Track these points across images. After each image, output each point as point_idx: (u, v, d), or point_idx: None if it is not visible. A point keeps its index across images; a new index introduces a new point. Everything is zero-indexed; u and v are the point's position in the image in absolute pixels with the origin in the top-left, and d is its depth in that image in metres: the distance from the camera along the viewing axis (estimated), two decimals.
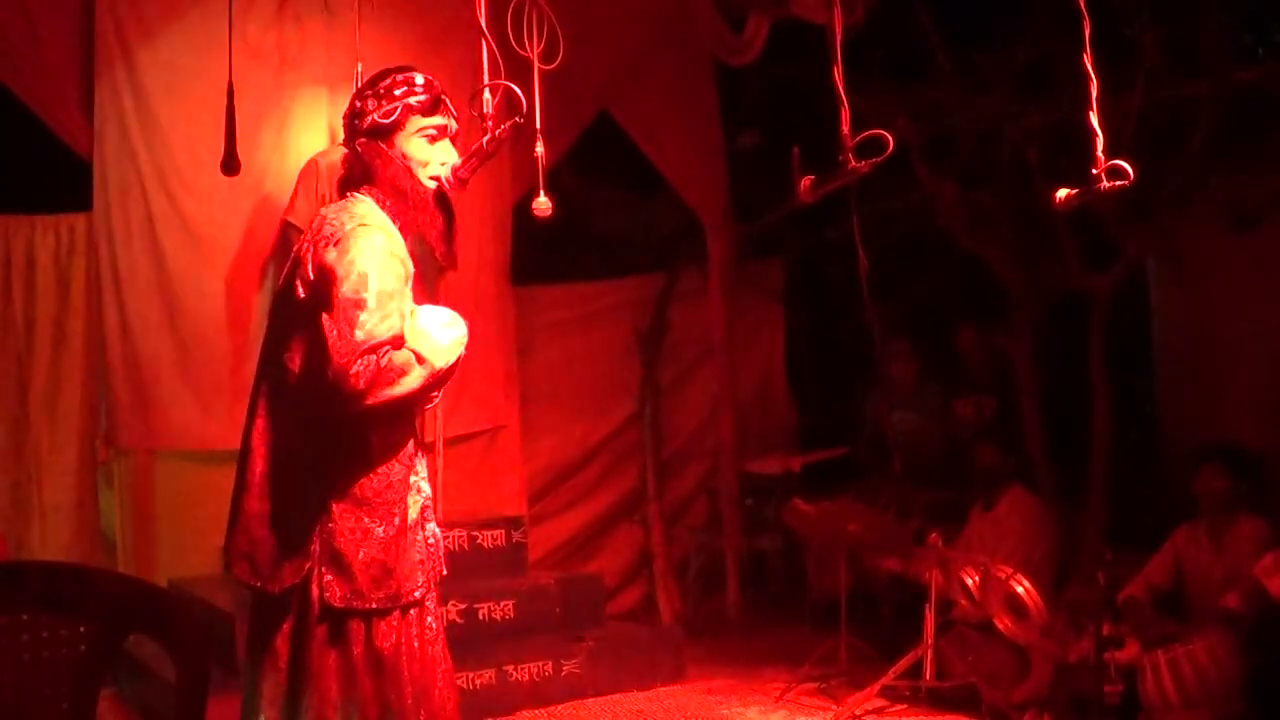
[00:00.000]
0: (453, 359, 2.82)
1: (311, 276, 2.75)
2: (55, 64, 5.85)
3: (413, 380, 2.70)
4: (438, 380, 2.78)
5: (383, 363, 2.65)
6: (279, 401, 2.78)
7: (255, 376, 2.88)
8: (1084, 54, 3.06)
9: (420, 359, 2.73)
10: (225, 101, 4.65)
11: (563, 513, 7.26)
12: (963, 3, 6.51)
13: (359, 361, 2.62)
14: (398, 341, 2.69)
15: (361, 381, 2.62)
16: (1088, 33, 3.07)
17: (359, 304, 2.65)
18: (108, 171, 5.92)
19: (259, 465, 2.77)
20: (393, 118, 2.86)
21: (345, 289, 2.67)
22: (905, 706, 5.28)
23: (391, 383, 2.66)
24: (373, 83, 2.93)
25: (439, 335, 2.80)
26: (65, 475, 5.93)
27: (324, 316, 2.68)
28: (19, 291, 5.89)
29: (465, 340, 2.87)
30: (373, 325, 2.65)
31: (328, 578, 2.70)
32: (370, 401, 2.65)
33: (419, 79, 2.91)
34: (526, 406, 6.99)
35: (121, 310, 5.91)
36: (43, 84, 5.83)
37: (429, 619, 2.87)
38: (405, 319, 2.74)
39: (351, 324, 2.64)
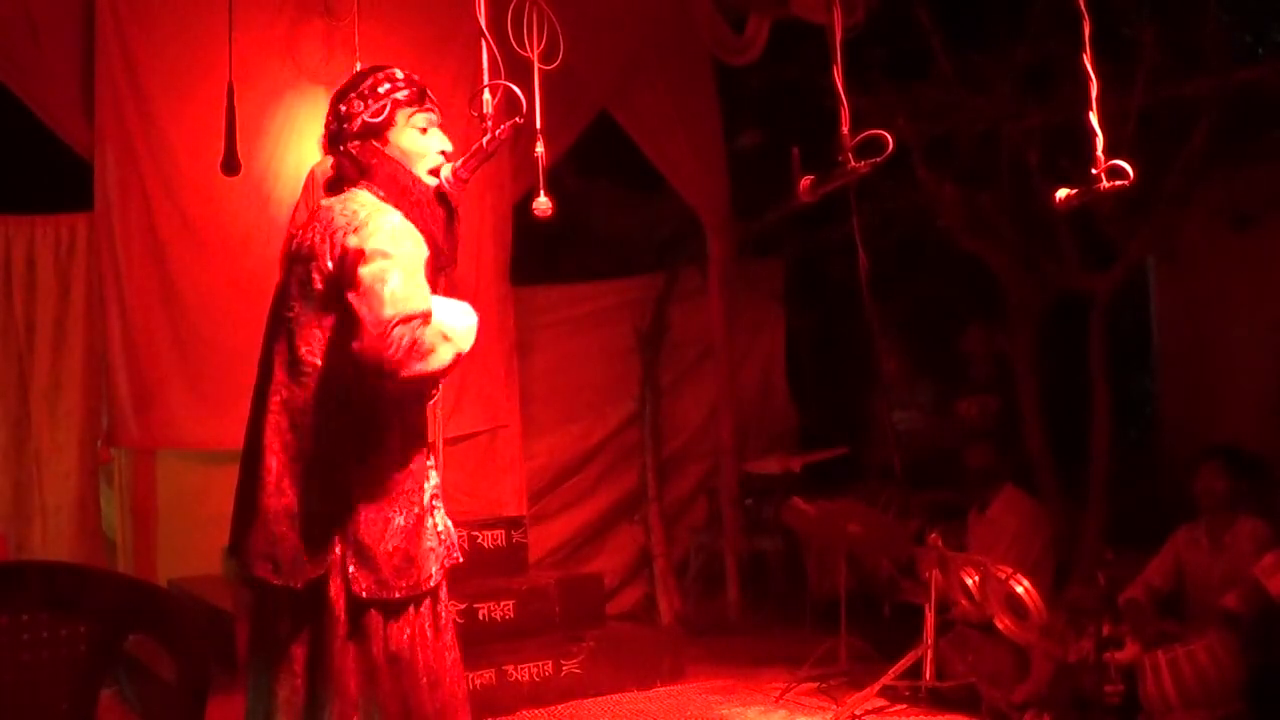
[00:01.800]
0: (469, 345, 2.81)
1: (330, 266, 2.74)
2: (56, 64, 5.85)
3: (444, 356, 2.69)
4: (459, 361, 2.76)
5: (416, 334, 2.63)
6: (293, 396, 2.76)
7: (259, 374, 2.87)
8: (1084, 54, 3.06)
9: (447, 337, 2.72)
10: (226, 101, 4.65)
11: (563, 513, 7.26)
12: (963, 3, 6.51)
13: (393, 333, 2.60)
14: (427, 316, 2.68)
15: (397, 352, 2.60)
16: (1088, 32, 3.07)
17: (384, 279, 2.63)
18: (108, 172, 5.92)
19: (274, 461, 2.75)
20: (383, 115, 2.86)
21: (371, 266, 2.65)
22: (905, 706, 5.28)
23: (424, 357, 2.64)
24: (354, 85, 2.91)
25: (456, 320, 2.79)
26: (67, 476, 5.93)
27: (350, 296, 2.66)
28: (19, 292, 5.90)
29: (475, 330, 2.86)
30: (403, 299, 2.63)
31: (352, 569, 2.69)
32: (405, 375, 2.63)
33: (399, 73, 2.91)
34: (526, 406, 7.00)
35: (123, 310, 5.91)
36: (43, 84, 5.83)
37: (440, 608, 2.87)
38: (427, 290, 2.73)
39: (380, 299, 2.61)
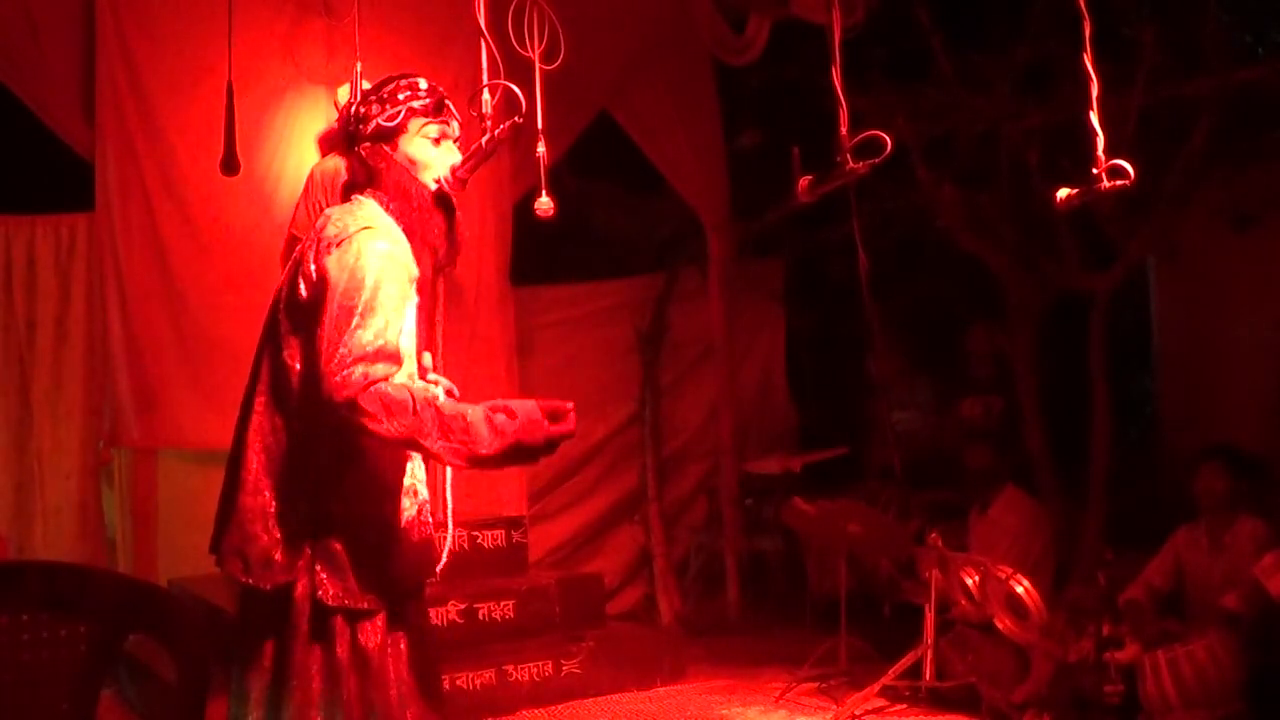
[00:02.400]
0: (457, 446, 2.61)
1: (313, 276, 2.73)
2: (56, 64, 5.86)
3: (395, 426, 2.58)
4: (422, 446, 2.64)
5: (379, 388, 2.58)
6: (277, 399, 2.77)
7: (251, 372, 2.88)
8: (1084, 54, 3.06)
9: (418, 410, 2.58)
10: (225, 101, 4.65)
11: (563, 513, 7.26)
12: (963, 3, 6.51)
13: (343, 372, 2.59)
14: (388, 356, 2.64)
15: (342, 394, 2.58)
16: (1088, 33, 3.07)
17: (350, 312, 2.63)
18: (109, 171, 5.92)
19: (254, 461, 2.75)
20: (396, 121, 2.86)
21: (340, 296, 2.65)
22: (905, 706, 5.28)
23: (375, 417, 2.58)
24: (376, 89, 2.92)
25: (486, 426, 2.63)
26: (69, 476, 5.93)
27: (317, 319, 2.66)
28: (20, 292, 5.90)
29: (510, 444, 2.63)
30: (360, 335, 2.61)
31: (321, 575, 2.69)
32: (350, 417, 2.59)
33: (422, 84, 2.91)
34: None
35: (124, 310, 5.91)
36: (43, 84, 5.84)
37: (420, 622, 2.87)
38: (399, 329, 2.70)
39: (340, 334, 2.61)
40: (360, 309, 2.63)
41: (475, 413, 2.63)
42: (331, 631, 2.71)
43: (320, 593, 2.69)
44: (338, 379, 2.59)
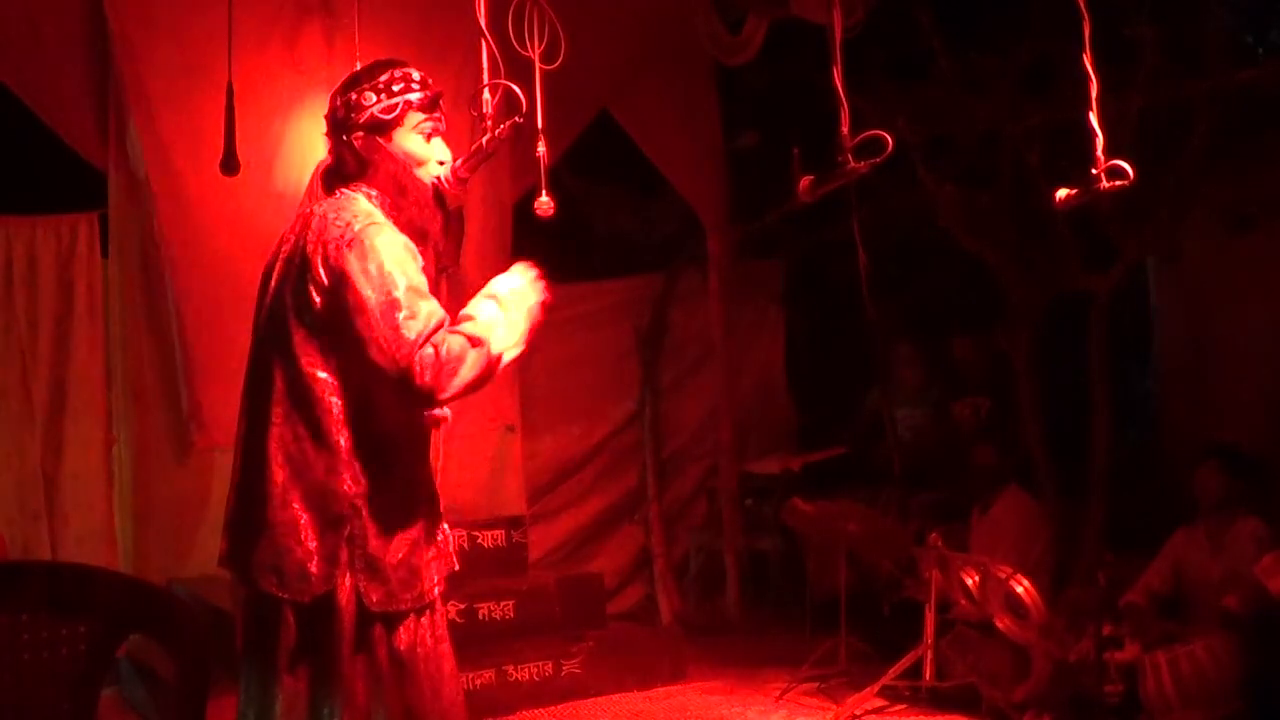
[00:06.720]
0: (518, 334, 2.83)
1: (326, 281, 2.69)
2: (58, 66, 5.85)
3: (471, 366, 2.68)
4: (499, 360, 2.77)
5: (442, 354, 2.63)
6: (297, 409, 2.72)
7: (253, 381, 2.84)
8: (1084, 54, 3.06)
9: (475, 340, 2.69)
10: (229, 102, 4.66)
11: (563, 512, 7.26)
12: (963, 3, 6.51)
13: (418, 356, 2.60)
14: (442, 322, 2.67)
15: (427, 376, 2.61)
16: (1088, 33, 3.06)
17: (395, 303, 2.62)
18: (122, 173, 5.91)
19: (278, 474, 2.71)
20: (394, 114, 2.83)
21: (377, 291, 2.63)
22: (905, 706, 5.28)
23: (454, 373, 2.64)
24: (370, 76, 2.87)
25: (500, 309, 2.81)
26: (71, 476, 5.93)
27: (359, 321, 2.64)
28: (21, 292, 5.90)
29: (535, 305, 2.92)
30: (416, 319, 2.62)
31: (362, 583, 2.69)
32: (442, 395, 2.65)
33: (416, 75, 2.89)
34: (526, 406, 6.99)
35: (190, 310, 5.88)
36: (46, 86, 5.83)
37: (439, 617, 2.87)
38: (438, 303, 2.72)
39: (395, 325, 2.61)
40: (402, 293, 2.64)
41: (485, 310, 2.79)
42: (372, 639, 2.71)
43: (366, 600, 2.68)
44: (415, 364, 2.60)
